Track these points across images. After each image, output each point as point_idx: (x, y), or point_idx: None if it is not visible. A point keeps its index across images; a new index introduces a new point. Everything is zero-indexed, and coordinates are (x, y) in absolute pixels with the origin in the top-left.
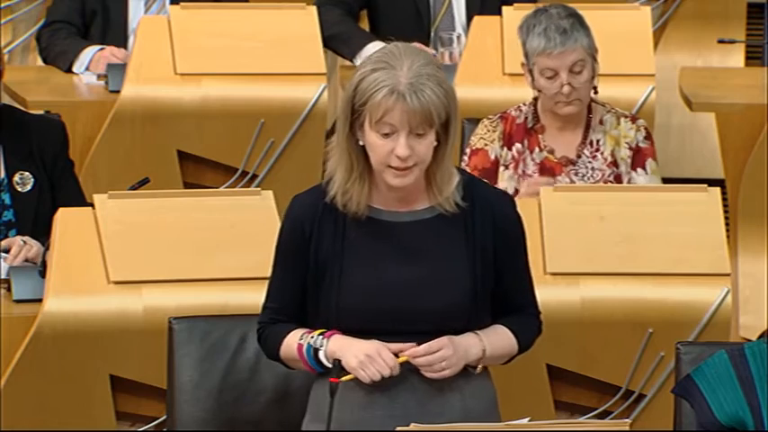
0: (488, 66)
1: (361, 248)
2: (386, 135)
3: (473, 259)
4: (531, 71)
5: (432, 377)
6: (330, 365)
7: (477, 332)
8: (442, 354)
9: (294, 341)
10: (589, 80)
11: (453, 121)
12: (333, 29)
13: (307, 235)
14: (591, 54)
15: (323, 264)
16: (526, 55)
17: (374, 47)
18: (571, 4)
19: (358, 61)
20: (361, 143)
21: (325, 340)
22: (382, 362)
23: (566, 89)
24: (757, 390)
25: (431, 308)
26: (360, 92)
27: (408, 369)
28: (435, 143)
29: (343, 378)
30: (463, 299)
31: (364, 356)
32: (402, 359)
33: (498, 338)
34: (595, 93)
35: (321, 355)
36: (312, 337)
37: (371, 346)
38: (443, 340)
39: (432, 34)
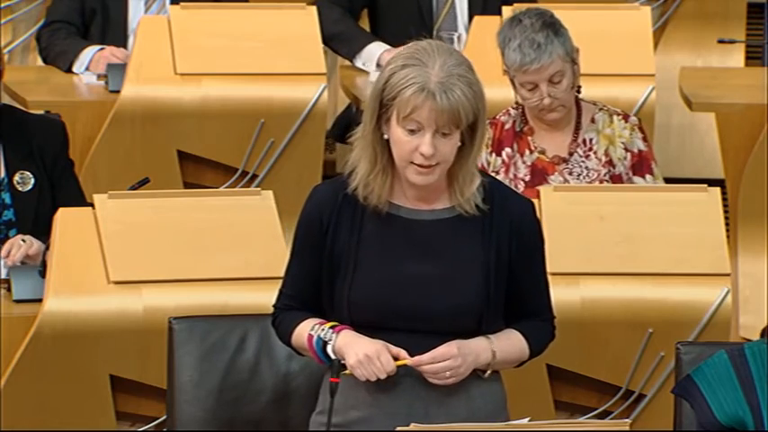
0: (488, 65)
1: (376, 243)
2: (412, 132)
3: (488, 261)
4: (512, 81)
5: (436, 383)
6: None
7: (488, 336)
8: (448, 364)
9: (305, 331)
10: (570, 86)
11: (481, 124)
12: (332, 28)
13: (324, 225)
14: (569, 60)
15: (338, 256)
16: (506, 65)
17: (375, 48)
18: (572, 5)
19: (358, 62)
20: (386, 137)
21: (334, 335)
22: (379, 365)
23: (546, 101)
24: (757, 390)
25: (443, 307)
26: (389, 86)
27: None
28: (460, 144)
29: (344, 372)
30: (476, 299)
31: (363, 356)
32: (400, 363)
33: (509, 343)
34: (578, 92)
35: (329, 349)
36: (323, 330)
37: (373, 347)
38: (451, 349)
39: (434, 34)
